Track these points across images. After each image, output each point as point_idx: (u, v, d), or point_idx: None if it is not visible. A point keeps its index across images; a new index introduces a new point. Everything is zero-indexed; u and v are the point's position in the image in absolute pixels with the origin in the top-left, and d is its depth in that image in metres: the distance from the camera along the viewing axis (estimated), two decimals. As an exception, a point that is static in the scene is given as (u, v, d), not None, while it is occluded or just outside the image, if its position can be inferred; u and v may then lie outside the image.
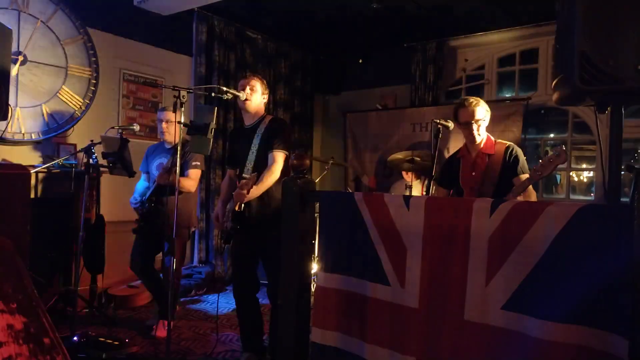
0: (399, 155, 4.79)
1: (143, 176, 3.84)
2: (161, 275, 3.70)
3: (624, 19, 1.53)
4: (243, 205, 2.83)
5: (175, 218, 2.65)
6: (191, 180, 3.57)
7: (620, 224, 1.24)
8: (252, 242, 2.95)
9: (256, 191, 2.78)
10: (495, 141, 2.83)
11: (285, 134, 2.94)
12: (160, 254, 3.73)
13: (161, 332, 3.45)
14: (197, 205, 4.14)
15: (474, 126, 2.75)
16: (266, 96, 3.06)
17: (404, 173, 4.88)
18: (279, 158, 2.87)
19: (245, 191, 2.69)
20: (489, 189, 2.69)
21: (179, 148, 2.67)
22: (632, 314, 1.19)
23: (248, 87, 2.94)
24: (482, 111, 2.77)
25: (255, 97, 2.97)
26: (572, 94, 1.61)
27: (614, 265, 1.24)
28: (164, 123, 3.65)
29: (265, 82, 3.08)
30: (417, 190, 4.76)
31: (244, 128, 3.07)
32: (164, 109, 3.73)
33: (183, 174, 3.51)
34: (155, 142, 3.98)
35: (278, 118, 3.04)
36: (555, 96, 1.77)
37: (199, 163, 3.61)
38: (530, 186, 2.44)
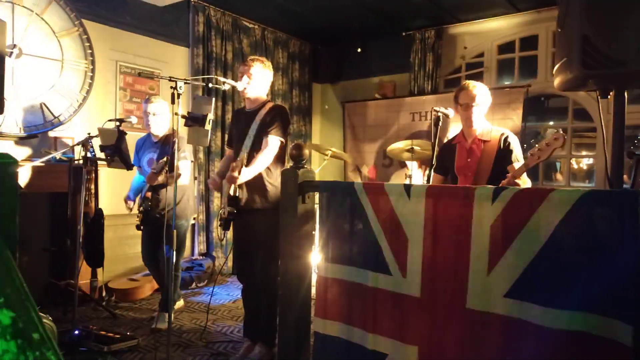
0: (398, 145, 4.76)
1: (138, 170, 3.82)
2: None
3: (626, 2, 1.50)
4: (237, 190, 2.83)
5: (174, 212, 2.65)
6: (181, 176, 3.51)
7: (623, 210, 1.22)
8: (247, 226, 2.95)
9: (248, 173, 2.78)
10: (491, 128, 2.81)
11: (282, 120, 2.91)
12: None
13: (162, 324, 3.46)
14: (194, 196, 4.13)
15: (473, 109, 2.74)
16: (269, 79, 3.03)
17: (407, 162, 4.85)
18: (272, 142, 2.86)
19: (235, 173, 2.70)
20: (484, 176, 2.67)
21: (177, 141, 2.65)
22: (636, 301, 1.18)
23: (246, 75, 2.92)
24: (482, 95, 2.76)
25: (254, 84, 2.94)
26: (574, 78, 1.59)
27: (617, 251, 1.22)
28: (151, 115, 3.55)
29: (268, 63, 3.02)
30: (418, 179, 4.75)
31: (245, 111, 3.05)
32: (149, 100, 3.60)
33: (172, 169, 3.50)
34: (143, 135, 3.91)
35: (279, 105, 3.02)
36: (556, 81, 1.75)
37: (187, 154, 3.58)
38: (525, 175, 2.42)
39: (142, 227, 3.58)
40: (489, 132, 2.78)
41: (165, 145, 3.48)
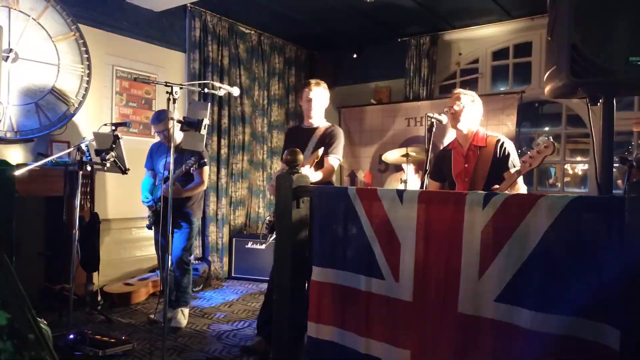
0: (393, 151, 4.79)
1: (147, 173, 3.88)
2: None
3: (614, 12, 1.53)
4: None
5: (169, 219, 2.71)
6: (203, 184, 3.75)
7: (612, 216, 1.24)
8: None
9: (310, 173, 2.88)
10: (486, 134, 2.85)
11: (340, 141, 3.08)
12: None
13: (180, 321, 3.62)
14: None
15: (454, 110, 2.81)
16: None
17: (403, 166, 4.87)
18: (333, 162, 3.03)
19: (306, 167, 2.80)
20: (480, 182, 2.70)
21: (171, 150, 2.69)
22: (623, 305, 1.20)
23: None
24: (465, 98, 2.83)
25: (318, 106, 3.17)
26: (564, 86, 1.62)
27: (605, 256, 1.25)
28: (163, 133, 3.67)
29: (324, 85, 3.24)
30: (414, 185, 4.76)
31: (303, 128, 3.26)
32: (154, 122, 3.68)
33: (192, 176, 3.66)
34: (156, 140, 3.99)
35: (336, 126, 3.23)
36: (547, 89, 1.78)
37: (206, 160, 3.71)
38: (521, 180, 2.45)
39: (152, 227, 3.71)
40: (483, 138, 2.81)
41: (183, 154, 3.56)
